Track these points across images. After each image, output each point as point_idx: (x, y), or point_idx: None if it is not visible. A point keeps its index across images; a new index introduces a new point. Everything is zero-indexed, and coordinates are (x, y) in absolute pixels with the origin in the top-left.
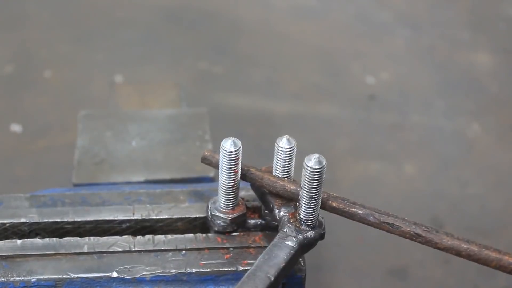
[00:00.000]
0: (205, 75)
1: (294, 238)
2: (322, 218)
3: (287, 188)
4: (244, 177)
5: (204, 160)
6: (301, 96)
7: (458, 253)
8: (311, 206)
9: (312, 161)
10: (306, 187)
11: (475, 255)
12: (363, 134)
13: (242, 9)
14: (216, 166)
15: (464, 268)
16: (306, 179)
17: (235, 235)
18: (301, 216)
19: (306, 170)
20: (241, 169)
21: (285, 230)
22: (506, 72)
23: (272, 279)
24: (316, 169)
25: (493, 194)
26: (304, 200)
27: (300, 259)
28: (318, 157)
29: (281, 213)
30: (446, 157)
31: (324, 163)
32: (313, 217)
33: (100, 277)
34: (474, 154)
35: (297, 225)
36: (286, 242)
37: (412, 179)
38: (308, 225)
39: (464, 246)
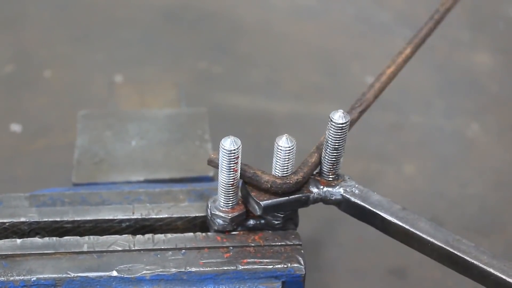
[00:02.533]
0: (205, 75)
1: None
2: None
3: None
4: (243, 176)
5: (211, 162)
6: (301, 96)
7: None
8: (331, 158)
9: (337, 115)
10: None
11: None
12: (363, 134)
13: (242, 9)
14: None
15: None
16: (331, 133)
17: (234, 234)
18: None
19: (331, 123)
20: (240, 168)
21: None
22: (506, 72)
23: None
24: (340, 123)
25: (493, 194)
26: (328, 153)
27: (300, 259)
28: (343, 112)
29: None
30: (445, 157)
31: (347, 120)
32: (331, 169)
33: (100, 276)
34: (474, 154)
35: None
36: None
37: (412, 179)
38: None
39: None
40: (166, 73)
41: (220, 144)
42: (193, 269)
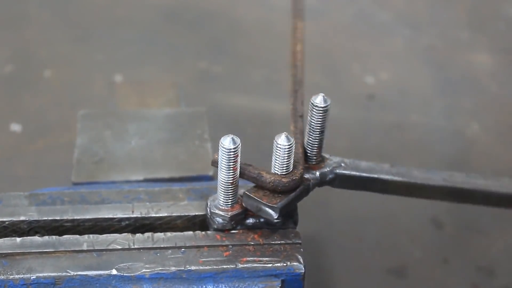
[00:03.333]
0: (205, 75)
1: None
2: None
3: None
4: (243, 174)
5: (214, 163)
6: None
7: None
8: (316, 141)
9: (319, 100)
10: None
11: None
12: (363, 134)
13: (241, 8)
14: (245, 177)
15: (463, 267)
16: (313, 115)
17: (234, 232)
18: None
19: (314, 107)
20: (240, 166)
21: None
22: (505, 72)
23: None
24: (323, 107)
25: None
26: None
27: (300, 257)
28: (323, 96)
29: None
30: (445, 157)
31: (329, 102)
32: (317, 152)
33: (100, 275)
34: (474, 154)
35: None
36: None
37: None
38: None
39: None
40: (166, 73)
41: (220, 142)
42: (193, 268)
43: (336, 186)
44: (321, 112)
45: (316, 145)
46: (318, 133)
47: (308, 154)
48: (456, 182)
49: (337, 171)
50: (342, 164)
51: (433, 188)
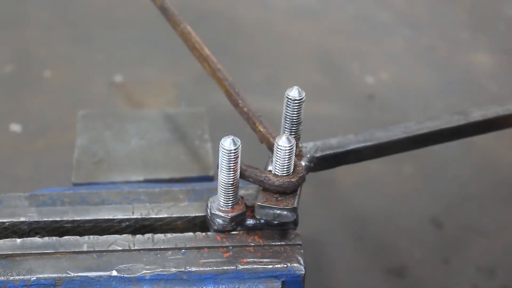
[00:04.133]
0: (205, 75)
1: None
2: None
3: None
4: (248, 178)
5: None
6: None
7: None
8: (293, 131)
9: (294, 93)
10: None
11: None
12: None
13: (241, 8)
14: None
15: (463, 267)
16: (288, 108)
17: (234, 233)
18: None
19: (288, 100)
20: (244, 169)
21: None
22: (506, 72)
23: None
24: (299, 99)
25: (493, 194)
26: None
27: (300, 258)
28: (298, 88)
29: None
30: (445, 157)
31: (303, 95)
32: (297, 144)
33: (100, 276)
34: (474, 154)
35: None
36: None
37: (412, 179)
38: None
39: None
40: (166, 73)
41: (220, 143)
42: (193, 269)
43: (316, 170)
44: (298, 104)
45: (295, 137)
46: (296, 125)
47: None
48: (413, 130)
49: (316, 155)
50: (318, 147)
51: (397, 142)
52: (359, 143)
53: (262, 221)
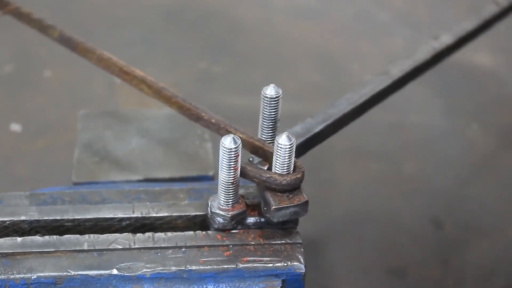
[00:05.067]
0: (205, 75)
1: None
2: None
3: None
4: (247, 176)
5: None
6: (300, 96)
7: None
8: (270, 128)
9: (270, 91)
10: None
11: None
12: (363, 134)
13: (241, 9)
14: (246, 177)
15: (463, 267)
16: (266, 106)
17: (234, 232)
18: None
19: (265, 98)
20: (244, 168)
21: None
22: (506, 72)
23: None
24: (275, 96)
25: (493, 194)
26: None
27: (300, 257)
28: (274, 86)
29: None
30: (445, 157)
31: (280, 93)
32: (272, 138)
33: (100, 275)
34: (474, 154)
35: None
36: None
37: (412, 179)
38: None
39: None
40: (166, 73)
41: (220, 142)
42: (193, 268)
43: (298, 156)
44: (275, 101)
45: (273, 133)
46: (274, 122)
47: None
48: (355, 100)
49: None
50: (291, 138)
51: (347, 114)
52: (321, 124)
53: (262, 219)
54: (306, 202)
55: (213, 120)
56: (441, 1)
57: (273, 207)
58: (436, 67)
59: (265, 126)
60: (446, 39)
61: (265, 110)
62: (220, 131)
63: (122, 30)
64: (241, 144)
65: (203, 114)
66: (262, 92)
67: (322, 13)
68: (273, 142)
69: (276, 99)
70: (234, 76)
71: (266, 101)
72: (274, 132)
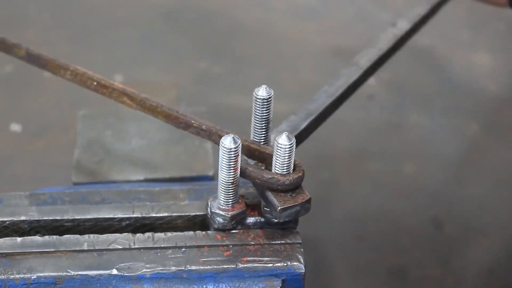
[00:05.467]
0: (205, 75)
1: None
2: None
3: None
4: (249, 177)
5: None
6: (301, 96)
7: None
8: (263, 129)
9: (262, 92)
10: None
11: None
12: (363, 134)
13: (241, 9)
14: (248, 178)
15: (463, 267)
16: (257, 107)
17: (234, 232)
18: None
19: (257, 100)
20: (246, 168)
21: None
22: (506, 72)
23: None
24: (267, 97)
25: (493, 194)
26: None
27: (300, 257)
28: (265, 87)
29: None
30: (445, 157)
31: (271, 94)
32: (265, 139)
33: (100, 275)
34: (474, 154)
35: None
36: None
37: (412, 179)
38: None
39: None
40: (166, 73)
41: (220, 142)
42: (193, 268)
43: None
44: (268, 101)
45: (266, 133)
46: (266, 123)
47: (262, 143)
48: (333, 93)
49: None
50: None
51: (328, 108)
52: (305, 121)
53: (262, 219)
54: (309, 200)
55: (203, 126)
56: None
57: (279, 207)
58: (436, 67)
59: (257, 127)
60: (403, 25)
61: (257, 111)
62: (212, 136)
63: (122, 30)
64: (241, 144)
65: (193, 121)
66: (254, 93)
67: (322, 13)
68: (266, 143)
69: (268, 100)
70: (234, 75)
71: (258, 102)
72: (267, 133)
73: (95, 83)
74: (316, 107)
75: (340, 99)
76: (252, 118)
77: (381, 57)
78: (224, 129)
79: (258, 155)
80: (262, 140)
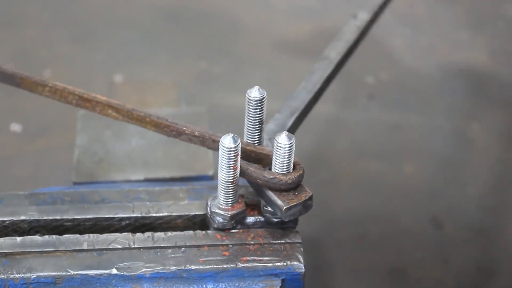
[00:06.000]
0: (205, 75)
1: None
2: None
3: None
4: (250, 177)
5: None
6: None
7: None
8: (256, 130)
9: (255, 94)
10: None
11: None
12: (363, 134)
13: (241, 9)
14: (249, 178)
15: (463, 267)
16: (251, 108)
17: (234, 232)
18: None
19: (250, 101)
20: (247, 169)
21: None
22: (506, 72)
23: None
24: (260, 98)
25: (493, 194)
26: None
27: (300, 257)
28: (258, 88)
29: None
30: (445, 157)
31: (264, 95)
32: (259, 140)
33: (100, 274)
34: (474, 154)
35: None
36: None
37: (412, 179)
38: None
39: None
40: (166, 73)
41: (220, 141)
42: (193, 267)
43: None
44: (261, 102)
45: (259, 133)
46: (259, 124)
47: (258, 143)
48: (311, 89)
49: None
50: (270, 139)
51: (308, 104)
52: (290, 118)
53: (262, 219)
54: (312, 196)
55: (196, 132)
56: (441, 1)
57: (284, 207)
58: (436, 68)
59: (251, 128)
60: (364, 16)
61: (250, 112)
62: (206, 142)
63: (122, 30)
64: (240, 144)
65: (184, 128)
66: (246, 94)
67: (322, 13)
68: (260, 144)
69: (261, 101)
70: (234, 75)
71: (251, 104)
72: (260, 134)
73: (76, 98)
74: (299, 104)
75: (318, 93)
76: (245, 119)
77: (349, 49)
78: (217, 133)
79: (255, 156)
80: (256, 141)
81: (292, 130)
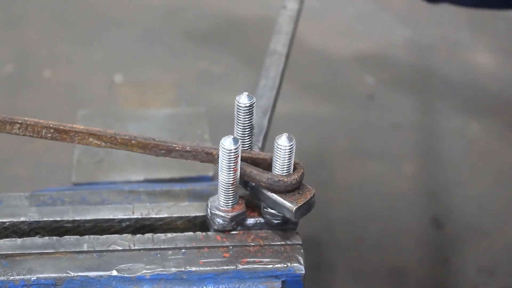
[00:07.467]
0: (205, 75)
1: None
2: None
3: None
4: (249, 178)
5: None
6: (301, 96)
7: None
8: (246, 135)
9: (244, 100)
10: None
11: None
12: (363, 134)
13: (241, 9)
14: (252, 181)
15: (463, 267)
16: (240, 114)
17: (234, 233)
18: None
19: (239, 107)
20: (243, 169)
21: None
22: (506, 72)
23: None
24: (249, 104)
25: (493, 194)
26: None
27: (300, 258)
28: (247, 94)
29: None
30: (445, 157)
31: (253, 101)
32: (249, 145)
33: (100, 276)
34: (474, 154)
35: None
36: None
37: (412, 179)
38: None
39: None
40: (166, 73)
41: (220, 143)
42: (193, 269)
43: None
44: (250, 108)
45: (250, 141)
46: (249, 130)
47: (249, 148)
48: (275, 82)
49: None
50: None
51: (275, 98)
52: (264, 118)
53: (262, 220)
54: (314, 193)
55: (187, 148)
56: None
57: (294, 208)
58: (436, 68)
59: (240, 134)
60: (293, 5)
61: (240, 118)
62: (198, 156)
63: (122, 30)
64: (240, 145)
65: (174, 145)
66: (235, 100)
67: (322, 13)
68: (250, 149)
69: (250, 107)
70: (234, 75)
71: (240, 109)
72: (250, 139)
73: (51, 131)
74: (267, 103)
75: (279, 88)
76: (235, 125)
77: (291, 39)
78: (209, 145)
79: (251, 162)
80: (246, 147)
81: (268, 129)
